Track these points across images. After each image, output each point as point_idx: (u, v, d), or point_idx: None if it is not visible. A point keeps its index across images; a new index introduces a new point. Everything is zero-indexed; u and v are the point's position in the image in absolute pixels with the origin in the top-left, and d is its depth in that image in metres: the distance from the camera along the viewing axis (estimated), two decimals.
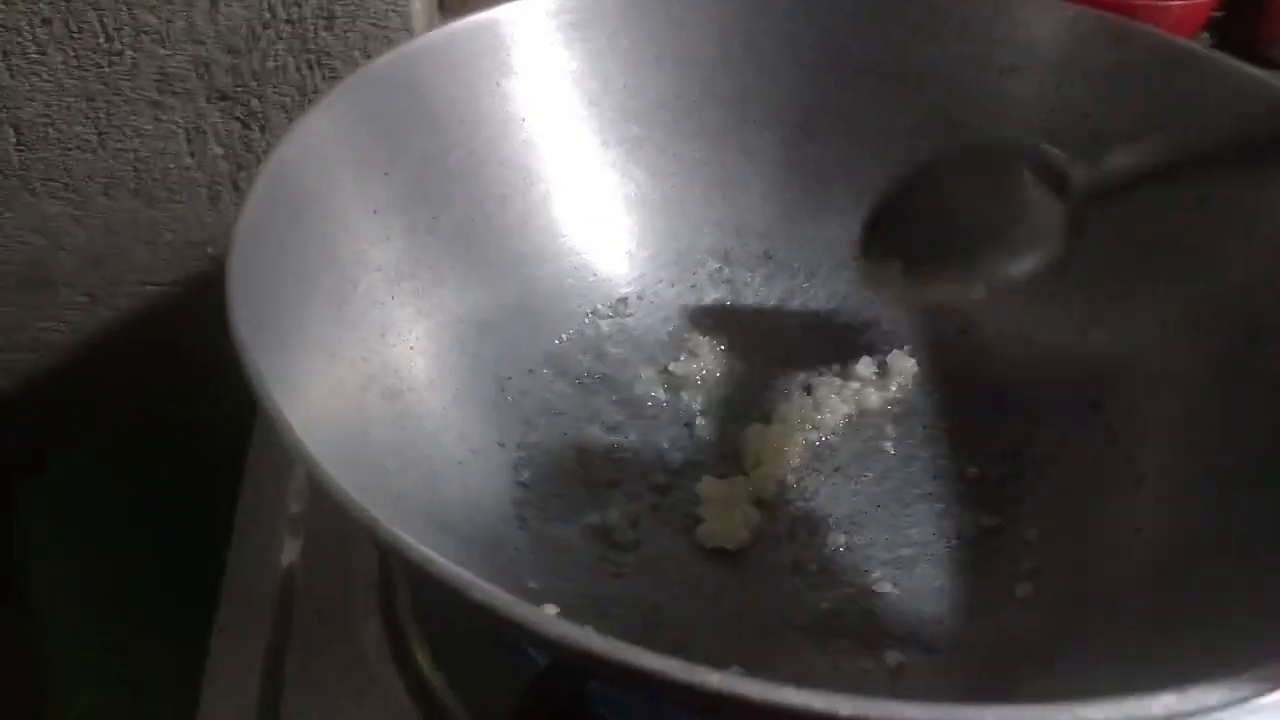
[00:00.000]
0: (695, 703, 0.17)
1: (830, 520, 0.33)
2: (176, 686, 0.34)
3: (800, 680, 0.26)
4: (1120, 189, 0.32)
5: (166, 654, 0.44)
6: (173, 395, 0.54)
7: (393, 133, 0.34)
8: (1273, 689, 0.16)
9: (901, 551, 0.31)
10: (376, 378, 0.29)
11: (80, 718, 0.45)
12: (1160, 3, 0.51)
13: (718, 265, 0.41)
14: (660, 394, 0.37)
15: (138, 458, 0.54)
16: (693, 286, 0.41)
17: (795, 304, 0.41)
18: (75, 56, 0.46)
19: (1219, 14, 0.58)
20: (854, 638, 0.29)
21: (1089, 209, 0.32)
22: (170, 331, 0.54)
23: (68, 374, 0.56)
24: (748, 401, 0.37)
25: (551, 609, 0.25)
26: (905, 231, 0.35)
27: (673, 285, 0.40)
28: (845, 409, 0.36)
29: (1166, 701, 0.15)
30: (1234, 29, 0.60)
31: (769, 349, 0.39)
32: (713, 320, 0.40)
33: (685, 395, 0.37)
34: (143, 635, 0.48)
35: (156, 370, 0.55)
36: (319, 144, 0.30)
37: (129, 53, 0.46)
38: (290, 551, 0.36)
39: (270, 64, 0.47)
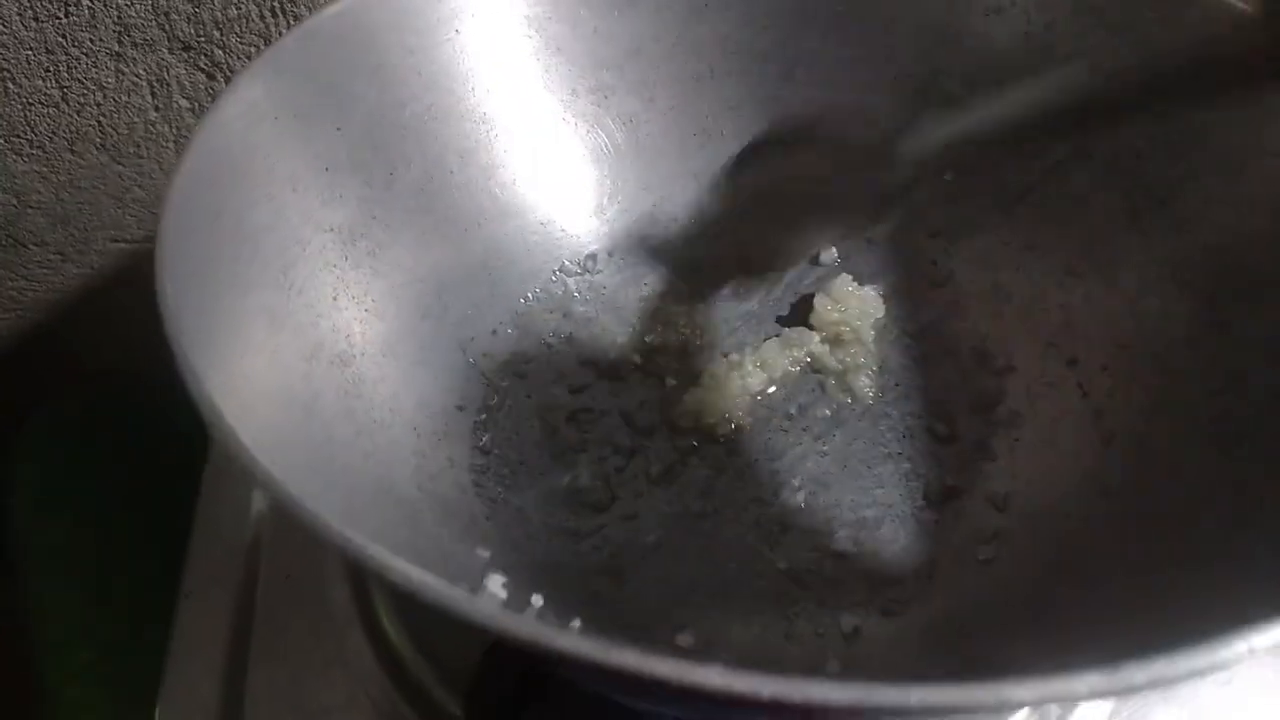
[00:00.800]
0: (615, 682, 0.16)
1: (796, 480, 0.32)
2: (161, 644, 0.34)
3: (753, 646, 0.26)
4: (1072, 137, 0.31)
5: (151, 611, 0.45)
6: (149, 351, 0.54)
7: (345, 85, 0.33)
8: (1212, 669, 0.16)
9: (865, 513, 0.31)
10: (326, 343, 0.28)
11: (66, 677, 0.46)
12: None
13: (691, 219, 0.40)
14: (629, 354, 0.36)
15: (118, 414, 0.54)
16: (666, 241, 0.40)
17: None
18: (30, 7, 0.44)
19: None
20: (812, 600, 0.29)
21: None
22: (142, 288, 0.53)
23: (43, 333, 0.55)
24: (716, 360, 0.36)
25: (498, 579, 0.25)
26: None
27: (644, 240, 0.39)
28: (806, 355, 0.36)
29: (1092, 681, 0.15)
30: None
31: (743, 303, 0.38)
32: (684, 274, 0.39)
33: (657, 355, 0.36)
34: (129, 593, 0.48)
35: (130, 327, 0.54)
36: (263, 99, 0.29)
37: (86, 2, 0.44)
38: (258, 516, 0.36)
39: (233, 12, 0.46)
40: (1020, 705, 0.15)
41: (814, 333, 0.36)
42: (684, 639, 0.27)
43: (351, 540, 0.17)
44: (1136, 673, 0.15)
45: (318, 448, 0.25)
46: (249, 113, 0.28)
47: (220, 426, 0.19)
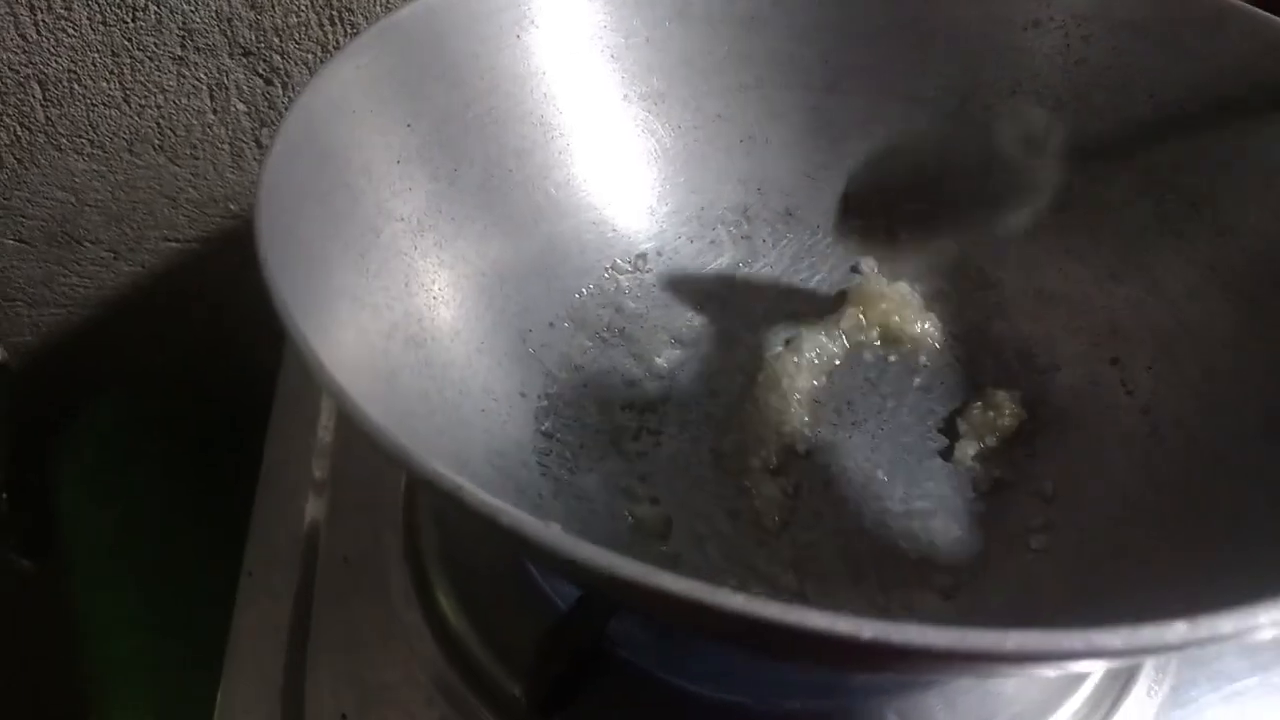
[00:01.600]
0: (724, 631, 0.17)
1: (848, 474, 0.33)
2: (207, 634, 0.35)
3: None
4: (1110, 146, 0.32)
5: (197, 601, 0.45)
6: (196, 349, 0.55)
7: (415, 84, 0.34)
8: None
9: (917, 504, 0.32)
10: (400, 325, 0.29)
11: (112, 665, 0.47)
12: None
13: (737, 221, 0.41)
14: (678, 350, 0.37)
15: (165, 409, 0.55)
16: (712, 243, 0.41)
17: (814, 260, 0.41)
18: (100, 12, 0.46)
19: None
20: (870, 584, 0.29)
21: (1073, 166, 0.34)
22: (193, 287, 0.55)
23: (93, 329, 0.56)
24: (763, 357, 0.37)
25: None
26: (889, 191, 0.36)
27: (692, 241, 0.41)
28: (844, 353, 0.37)
29: (1179, 630, 0.16)
30: None
31: (790, 304, 0.39)
32: (732, 274, 0.40)
33: (703, 350, 0.37)
34: (174, 584, 0.49)
35: (179, 325, 0.56)
36: (343, 93, 0.31)
37: (153, 8, 0.46)
38: (317, 497, 0.37)
39: (293, 19, 0.47)
40: (1111, 655, 0.16)
41: (858, 318, 0.37)
42: None
43: (487, 501, 0.18)
44: (1222, 622, 0.16)
45: (401, 419, 0.26)
46: (331, 103, 0.30)
47: (334, 388, 0.20)
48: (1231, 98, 0.35)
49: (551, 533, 0.17)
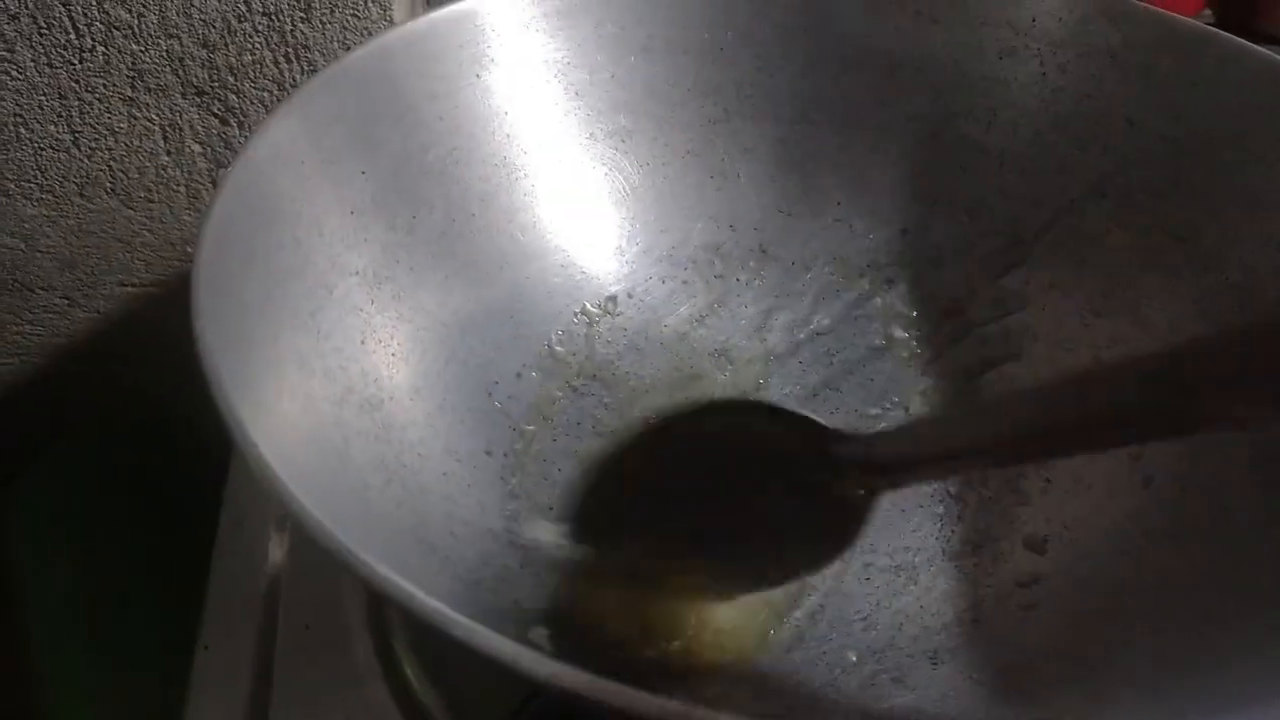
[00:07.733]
0: None
1: None
2: (167, 694, 0.33)
3: (800, 696, 0.25)
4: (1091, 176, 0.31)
5: (157, 659, 0.43)
6: (154, 397, 0.53)
7: (369, 130, 0.32)
8: None
9: (902, 559, 0.30)
10: (355, 388, 0.28)
11: None
12: None
13: (710, 260, 0.40)
14: (656, 396, 0.36)
15: (123, 460, 0.53)
16: (685, 283, 0.40)
17: (791, 297, 0.40)
18: (45, 53, 0.44)
19: None
20: (858, 650, 0.28)
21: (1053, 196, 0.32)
22: (149, 333, 0.53)
23: (48, 378, 0.54)
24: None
25: (542, 632, 0.24)
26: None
27: (664, 282, 0.39)
28: None
29: None
30: (1233, 9, 0.59)
31: (766, 339, 0.38)
32: (706, 315, 0.39)
33: (679, 394, 0.36)
34: (134, 640, 0.47)
35: (137, 372, 0.54)
36: (291, 142, 0.29)
37: (100, 49, 0.45)
38: (276, 564, 0.35)
39: (247, 58, 0.46)
40: None
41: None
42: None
43: (415, 596, 0.16)
44: None
45: (355, 495, 0.24)
46: (278, 155, 0.28)
47: (270, 478, 0.18)
48: (1212, 125, 0.34)
49: (512, 648, 0.15)
